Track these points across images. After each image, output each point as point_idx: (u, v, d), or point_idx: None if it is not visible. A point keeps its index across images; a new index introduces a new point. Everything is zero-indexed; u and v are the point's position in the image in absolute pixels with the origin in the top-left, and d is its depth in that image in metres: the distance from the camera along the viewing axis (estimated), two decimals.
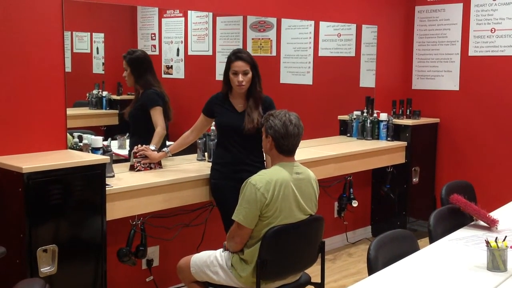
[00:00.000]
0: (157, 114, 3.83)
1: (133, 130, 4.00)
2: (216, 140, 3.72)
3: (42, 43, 3.22)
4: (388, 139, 5.19)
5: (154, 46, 5.07)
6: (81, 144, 3.37)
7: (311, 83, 5.37)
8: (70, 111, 3.49)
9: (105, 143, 3.40)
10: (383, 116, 5.19)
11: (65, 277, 3.00)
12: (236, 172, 3.45)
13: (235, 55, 3.47)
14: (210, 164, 3.87)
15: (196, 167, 3.84)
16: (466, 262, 2.62)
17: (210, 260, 3.12)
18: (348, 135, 5.34)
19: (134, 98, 4.02)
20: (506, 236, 2.64)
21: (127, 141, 4.18)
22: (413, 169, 5.31)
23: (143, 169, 3.64)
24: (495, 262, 2.49)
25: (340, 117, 5.45)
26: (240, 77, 3.44)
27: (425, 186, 5.49)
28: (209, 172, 3.66)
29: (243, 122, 3.46)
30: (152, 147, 3.70)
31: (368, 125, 5.20)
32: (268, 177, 2.95)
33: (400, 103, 5.44)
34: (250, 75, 3.47)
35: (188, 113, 4.92)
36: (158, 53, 5.07)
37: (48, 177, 2.90)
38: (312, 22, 5.23)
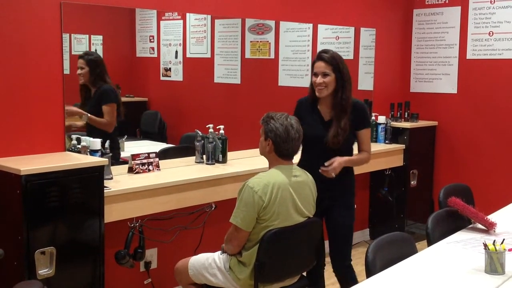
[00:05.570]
0: (111, 110, 3.89)
1: (93, 128, 3.98)
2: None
3: (41, 45, 3.22)
4: (386, 142, 5.19)
5: (153, 48, 5.06)
6: (79, 146, 3.37)
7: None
8: None
9: (105, 145, 3.40)
10: (381, 119, 5.19)
11: (63, 280, 3.00)
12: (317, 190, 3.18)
13: (318, 55, 3.29)
14: (208, 166, 3.89)
15: (194, 169, 3.84)
16: (464, 265, 2.62)
17: (208, 262, 3.12)
18: None
19: (83, 96, 4.03)
20: (504, 239, 2.64)
21: (125, 143, 4.18)
22: (411, 172, 5.32)
23: (141, 171, 3.64)
24: (493, 265, 2.50)
25: None
26: (318, 79, 3.25)
27: (423, 189, 5.49)
28: (206, 174, 3.67)
29: (327, 133, 3.25)
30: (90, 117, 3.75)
31: None
32: (266, 180, 2.95)
33: (398, 106, 5.44)
34: (330, 78, 3.25)
35: (187, 116, 4.92)
36: (156, 56, 5.06)
37: (46, 179, 2.90)
38: (311, 25, 5.23)
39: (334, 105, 3.29)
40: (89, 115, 3.83)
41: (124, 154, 4.11)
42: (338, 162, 3.24)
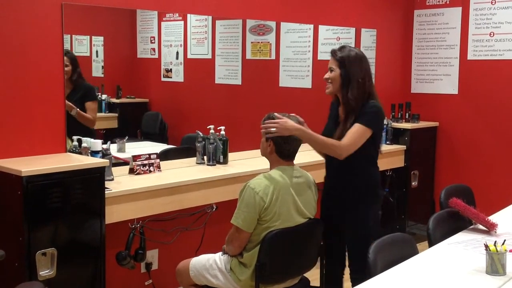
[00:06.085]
0: (95, 107, 4.08)
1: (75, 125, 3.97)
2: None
3: (42, 46, 3.22)
4: (387, 142, 5.19)
5: (154, 49, 5.07)
6: (80, 147, 3.37)
7: (310, 86, 5.37)
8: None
9: (105, 146, 3.40)
10: None
11: (64, 281, 3.00)
12: (330, 189, 3.24)
13: (331, 50, 3.18)
14: (209, 167, 3.89)
15: (195, 170, 3.84)
16: (465, 266, 2.62)
17: (209, 263, 3.12)
18: None
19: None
20: (505, 240, 2.64)
21: (126, 144, 4.19)
22: (412, 172, 5.32)
23: (142, 172, 3.64)
24: (494, 266, 2.49)
25: None
26: (326, 74, 3.15)
27: (424, 189, 5.49)
28: (207, 175, 3.67)
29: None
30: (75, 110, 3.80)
31: None
32: (267, 181, 2.94)
33: (399, 106, 5.44)
34: (334, 73, 3.12)
35: (188, 116, 4.93)
36: (157, 57, 5.08)
37: (47, 181, 2.90)
38: (311, 26, 5.24)
39: (343, 105, 3.18)
40: (78, 110, 3.86)
41: (125, 155, 4.12)
42: (286, 120, 2.95)
